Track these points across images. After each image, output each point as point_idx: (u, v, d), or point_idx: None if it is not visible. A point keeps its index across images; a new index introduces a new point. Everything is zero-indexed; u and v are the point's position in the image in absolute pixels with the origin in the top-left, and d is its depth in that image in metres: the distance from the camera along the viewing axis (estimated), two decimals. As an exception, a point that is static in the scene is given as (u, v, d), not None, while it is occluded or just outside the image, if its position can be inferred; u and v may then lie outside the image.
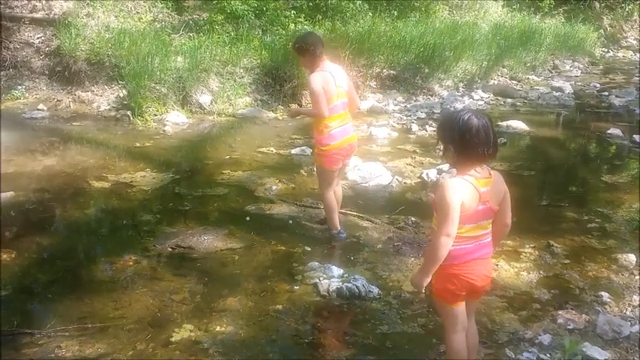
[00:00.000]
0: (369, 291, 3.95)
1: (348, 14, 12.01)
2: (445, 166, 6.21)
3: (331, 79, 4.42)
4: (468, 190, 2.50)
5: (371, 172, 6.19)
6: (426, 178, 6.22)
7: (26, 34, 10.17)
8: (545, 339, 3.51)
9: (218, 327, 3.53)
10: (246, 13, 10.88)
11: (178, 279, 4.11)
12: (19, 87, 9.38)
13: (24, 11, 10.38)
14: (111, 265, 4.32)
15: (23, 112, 8.64)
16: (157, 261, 4.39)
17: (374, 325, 3.64)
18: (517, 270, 4.38)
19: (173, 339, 3.39)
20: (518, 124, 8.74)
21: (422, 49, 11.14)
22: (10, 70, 9.87)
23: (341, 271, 4.19)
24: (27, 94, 9.29)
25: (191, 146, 7.60)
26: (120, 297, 3.83)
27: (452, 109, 9.57)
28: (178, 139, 7.91)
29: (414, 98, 10.61)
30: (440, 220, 2.53)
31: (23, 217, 5.20)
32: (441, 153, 2.70)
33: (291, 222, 5.15)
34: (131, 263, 4.33)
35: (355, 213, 5.30)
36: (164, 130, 8.18)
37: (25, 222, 5.11)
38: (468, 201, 2.49)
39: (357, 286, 3.95)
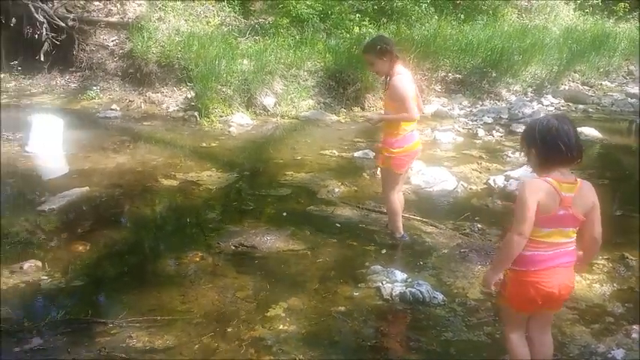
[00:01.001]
0: (434, 297, 3.88)
1: (413, 17, 11.92)
2: (514, 173, 6.05)
3: (411, 80, 4.37)
4: (547, 192, 2.43)
5: (435, 177, 6.10)
6: (492, 185, 6.07)
7: (102, 37, 10.64)
8: (618, 354, 3.34)
9: (281, 325, 3.54)
10: (311, 16, 10.98)
11: (242, 277, 4.16)
12: (94, 87, 9.82)
13: (100, 15, 10.87)
14: (178, 260, 4.41)
15: (97, 112, 9.02)
16: (221, 258, 4.46)
17: (438, 331, 3.57)
18: (589, 282, 4.19)
19: (237, 335, 3.43)
20: (590, 131, 8.39)
21: (489, 52, 10.90)
22: (86, 71, 10.38)
23: (404, 276, 4.13)
24: (101, 95, 9.71)
25: (255, 147, 7.71)
26: (187, 291, 3.92)
27: (520, 114, 9.32)
28: (243, 140, 8.04)
29: (481, 103, 10.39)
30: (514, 218, 2.48)
31: (96, 212, 5.42)
32: (524, 157, 2.66)
33: (353, 225, 5.13)
34: (197, 259, 4.41)
35: (419, 218, 5.22)
36: (229, 131, 8.34)
37: (98, 216, 5.33)
38: (546, 202, 2.42)
39: (421, 292, 3.89)
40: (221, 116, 8.82)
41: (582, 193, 2.51)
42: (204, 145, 7.64)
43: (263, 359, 3.22)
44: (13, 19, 10.14)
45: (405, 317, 3.76)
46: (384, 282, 4.04)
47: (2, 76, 10.49)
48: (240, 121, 8.71)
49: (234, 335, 3.43)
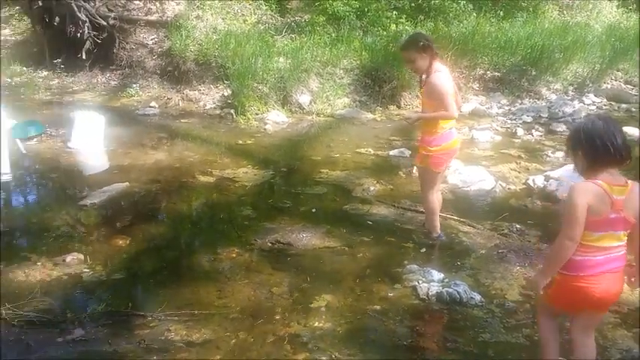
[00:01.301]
0: (471, 297, 3.83)
1: (451, 14, 11.76)
2: (554, 173, 5.92)
3: (450, 76, 4.32)
4: (598, 194, 2.37)
5: (473, 176, 6.01)
6: (532, 185, 5.94)
7: (141, 35, 10.83)
8: (661, 359, 3.24)
9: (317, 322, 3.55)
10: (347, 14, 10.96)
11: (278, 273, 4.18)
12: (134, 85, 10.01)
13: (140, 14, 11.06)
14: (214, 256, 4.45)
15: (137, 109, 9.18)
16: (257, 255, 4.49)
17: (475, 332, 3.52)
18: (633, 285, 4.07)
19: (273, 331, 3.45)
20: (633, 131, 8.14)
21: (529, 50, 10.68)
22: (126, 69, 10.59)
23: (441, 276, 4.09)
24: (140, 92, 9.89)
25: (290, 145, 7.74)
26: (223, 287, 3.96)
27: (561, 113, 9.11)
28: (278, 137, 8.08)
29: (520, 101, 10.19)
30: (564, 222, 2.43)
31: (136, 207, 5.52)
32: (569, 160, 2.61)
33: (389, 223, 5.10)
34: (233, 255, 4.45)
35: (456, 217, 5.16)
36: (265, 129, 8.39)
37: (137, 211, 5.42)
38: (596, 205, 2.36)
39: (458, 292, 3.84)
40: (257, 114, 8.88)
41: (633, 196, 2.44)
42: (240, 142, 7.70)
43: (298, 356, 3.23)
44: (57, 18, 10.41)
45: (441, 317, 3.72)
46: (420, 281, 4.01)
47: (46, 73, 10.78)
48: (275, 119, 8.75)
49: (270, 331, 3.45)
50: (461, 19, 11.65)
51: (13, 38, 12.91)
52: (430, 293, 3.87)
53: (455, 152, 4.55)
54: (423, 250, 4.61)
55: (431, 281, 4.00)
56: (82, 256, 4.28)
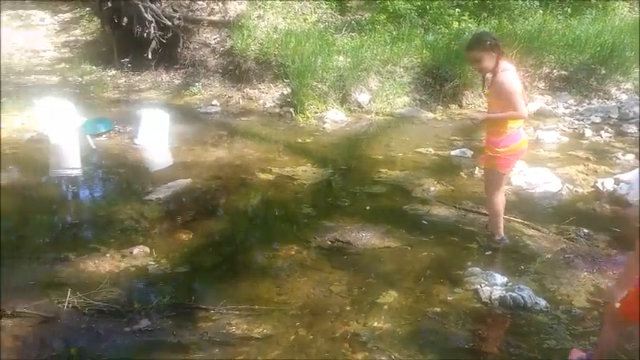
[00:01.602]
0: (536, 303, 3.72)
1: (516, 12, 11.43)
2: (625, 176, 5.67)
3: (517, 74, 4.21)
4: None
5: (538, 178, 5.83)
6: (601, 188, 5.70)
7: (204, 35, 11.08)
8: None
9: (376, 322, 3.53)
10: (408, 11, 10.85)
11: (337, 272, 4.18)
12: (196, 84, 10.24)
13: (203, 14, 11.31)
14: (274, 252, 4.51)
15: (199, 107, 9.39)
16: (316, 253, 4.50)
17: (540, 338, 3.41)
18: None
19: (332, 329, 3.46)
20: None
21: (598, 48, 10.24)
22: (189, 68, 10.85)
23: (504, 280, 3.99)
24: (203, 91, 10.10)
25: (349, 144, 7.72)
26: (283, 283, 4.00)
27: (631, 114, 8.71)
28: (337, 136, 8.08)
29: (588, 101, 9.79)
30: None
31: (198, 202, 5.64)
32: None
33: (450, 224, 5.02)
34: (292, 252, 4.49)
35: (520, 220, 5.02)
36: (323, 128, 8.41)
37: (199, 207, 5.54)
38: None
39: (522, 297, 3.74)
40: (316, 112, 8.91)
41: None
42: (299, 140, 7.75)
43: (357, 355, 3.23)
44: (125, 19, 10.78)
45: (504, 322, 3.63)
46: (482, 285, 3.92)
47: (114, 72, 11.18)
48: (334, 118, 8.76)
49: (328, 329, 3.46)
50: (526, 16, 11.31)
51: (84, 38, 13.48)
52: (493, 297, 3.78)
53: (522, 153, 4.41)
54: (486, 252, 4.50)
55: (494, 285, 3.91)
56: (147, 249, 4.42)
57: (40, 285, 3.85)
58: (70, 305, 3.57)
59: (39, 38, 13.61)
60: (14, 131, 7.64)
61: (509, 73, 4.12)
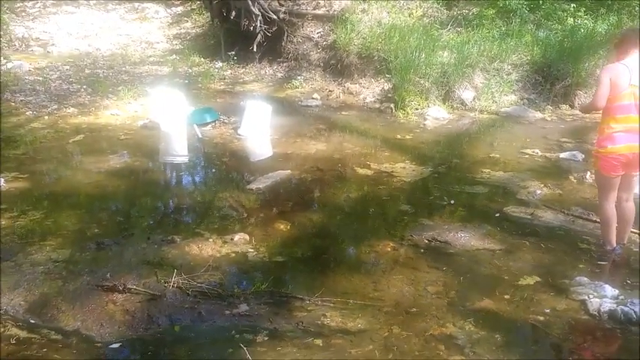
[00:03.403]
0: (650, 319, 3.45)
1: (637, 7, 10.63)
2: None
3: (626, 73, 3.94)
4: None
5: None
6: None
7: (308, 29, 11.22)
8: None
9: (473, 326, 3.42)
10: (520, 6, 10.40)
11: (434, 271, 4.10)
12: (298, 77, 10.40)
13: (308, 8, 11.46)
14: (370, 248, 4.49)
15: (300, 100, 9.53)
16: (413, 251, 4.44)
17: (655, 358, 3.16)
18: None
19: (427, 329, 3.39)
20: None
21: None
22: (292, 61, 11.05)
23: (615, 292, 3.74)
24: (304, 84, 10.24)
25: (450, 142, 7.53)
26: (379, 279, 3.97)
27: None
28: (438, 134, 7.91)
29: None
30: None
31: (297, 194, 5.73)
32: None
33: (556, 230, 4.77)
34: (389, 249, 4.45)
35: (635, 231, 4.66)
36: (424, 124, 8.27)
37: (298, 198, 5.62)
38: None
39: (635, 311, 3.49)
40: (416, 109, 8.78)
41: None
42: (398, 137, 7.67)
43: (453, 357, 3.14)
44: (233, 13, 11.14)
45: (614, 337, 3.40)
46: (590, 296, 3.70)
47: (221, 65, 11.60)
48: (435, 115, 8.59)
49: (423, 329, 3.40)
50: (650, 12, 10.50)
51: (194, 31, 14.08)
52: (602, 310, 3.55)
53: (635, 159, 4.08)
54: (595, 262, 4.24)
55: (603, 297, 3.68)
56: (247, 237, 4.55)
57: (149, 264, 4.07)
58: (175, 285, 3.74)
59: (153, 30, 14.40)
60: (128, 118, 8.15)
61: (609, 65, 4.20)
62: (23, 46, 12.72)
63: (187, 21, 14.81)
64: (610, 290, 3.75)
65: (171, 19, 15.21)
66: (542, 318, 3.52)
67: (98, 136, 7.34)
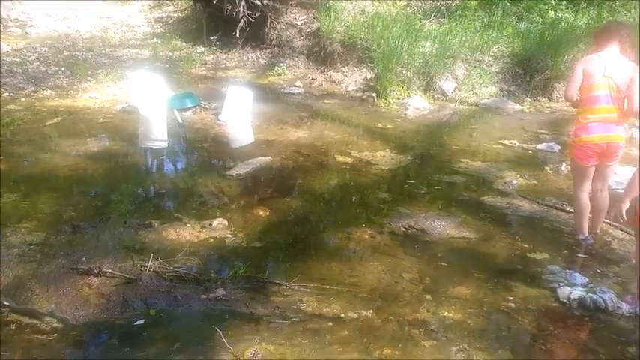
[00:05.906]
0: (618, 307, 3.55)
1: (617, 2, 10.77)
2: None
3: (599, 64, 4.03)
4: None
5: (628, 178, 5.48)
6: (700, 192, 5.30)
7: (292, 15, 11.19)
8: None
9: (446, 312, 3.48)
10: (502, -1, 10.47)
11: (410, 258, 4.16)
12: (281, 64, 10.37)
13: (292, -5, 11.39)
14: (348, 234, 4.53)
15: (282, 87, 9.52)
16: (390, 238, 4.49)
17: (621, 344, 3.26)
18: None
19: (401, 314, 3.44)
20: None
21: None
22: (275, 48, 11.01)
23: (585, 280, 3.83)
24: (287, 71, 10.22)
25: (430, 132, 7.59)
26: (355, 266, 4.02)
27: None
28: (418, 123, 7.97)
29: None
30: None
31: (276, 181, 5.75)
32: None
33: (530, 220, 4.86)
34: (366, 236, 4.49)
35: (607, 221, 4.76)
36: (405, 114, 8.32)
37: (278, 185, 5.64)
38: None
39: (603, 299, 3.57)
40: (398, 98, 8.82)
41: None
42: (379, 125, 7.71)
43: (426, 342, 3.20)
44: (216, -3, 11.04)
45: (582, 324, 3.48)
46: (561, 284, 3.78)
47: (203, 49, 11.51)
48: (417, 105, 8.63)
49: (398, 314, 3.45)
50: (629, 7, 10.63)
51: (176, 15, 13.95)
52: (572, 297, 3.64)
53: (607, 149, 4.17)
54: (566, 251, 4.34)
55: (573, 285, 3.76)
56: (226, 222, 4.55)
57: (125, 248, 4.06)
58: (152, 269, 3.74)
59: (134, 13, 14.23)
60: (107, 101, 8.07)
61: (584, 57, 4.35)
62: (1, 26, 12.49)
63: (169, 4, 14.66)
64: (580, 278, 3.84)
65: (153, 2, 15.04)
66: (513, 305, 3.59)
67: (76, 119, 7.26)
